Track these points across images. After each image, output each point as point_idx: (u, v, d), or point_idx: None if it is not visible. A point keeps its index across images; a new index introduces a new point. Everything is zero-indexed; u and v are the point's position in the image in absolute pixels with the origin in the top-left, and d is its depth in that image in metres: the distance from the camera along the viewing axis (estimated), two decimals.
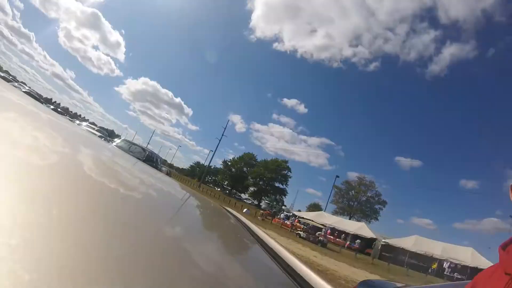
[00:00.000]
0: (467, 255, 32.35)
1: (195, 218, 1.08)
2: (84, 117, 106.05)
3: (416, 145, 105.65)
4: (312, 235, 30.67)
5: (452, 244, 36.04)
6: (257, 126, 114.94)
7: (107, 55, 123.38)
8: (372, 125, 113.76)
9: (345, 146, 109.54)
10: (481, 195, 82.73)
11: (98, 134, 21.18)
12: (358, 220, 53.59)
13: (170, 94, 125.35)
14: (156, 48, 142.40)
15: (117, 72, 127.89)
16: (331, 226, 40.55)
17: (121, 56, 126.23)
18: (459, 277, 28.27)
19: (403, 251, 36.52)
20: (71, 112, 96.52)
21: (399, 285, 3.74)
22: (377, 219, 64.02)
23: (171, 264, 0.38)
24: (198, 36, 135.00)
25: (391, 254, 35.34)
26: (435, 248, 35.18)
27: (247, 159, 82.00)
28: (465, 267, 30.68)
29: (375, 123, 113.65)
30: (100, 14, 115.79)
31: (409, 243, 37.19)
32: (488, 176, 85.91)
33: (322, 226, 38.46)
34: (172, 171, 55.80)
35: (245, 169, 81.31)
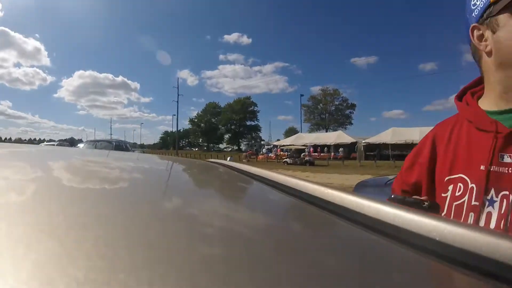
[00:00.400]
0: None
1: (188, 179, 1.10)
2: (40, 138, 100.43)
3: (365, 42, 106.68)
4: (298, 158, 31.44)
5: (428, 127, 37.31)
6: (208, 73, 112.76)
7: (32, 66, 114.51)
8: (319, 35, 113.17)
9: (300, 63, 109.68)
10: (442, 74, 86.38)
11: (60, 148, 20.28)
12: (335, 130, 55.20)
13: (110, 76, 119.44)
14: (75, 34, 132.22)
15: (50, 78, 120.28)
16: (311, 144, 41.75)
17: (46, 60, 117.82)
18: None
19: (384, 145, 38.14)
20: (25, 140, 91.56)
21: (391, 177, 3.85)
22: (352, 123, 66.94)
23: (186, 228, 0.39)
24: (111, 3, 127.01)
25: (375, 152, 36.71)
26: (413, 134, 36.53)
27: (211, 109, 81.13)
28: None
29: (321, 32, 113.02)
30: (6, 29, 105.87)
31: (388, 136, 38.74)
32: (444, 54, 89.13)
33: (303, 147, 39.66)
34: (145, 150, 54.40)
35: (213, 119, 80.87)
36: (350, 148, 39.78)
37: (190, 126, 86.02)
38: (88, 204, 0.45)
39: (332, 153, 39.28)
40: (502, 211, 0.73)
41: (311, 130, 64.32)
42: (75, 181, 0.69)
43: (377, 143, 38.84)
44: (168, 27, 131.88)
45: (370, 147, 39.32)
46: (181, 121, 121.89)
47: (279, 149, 42.34)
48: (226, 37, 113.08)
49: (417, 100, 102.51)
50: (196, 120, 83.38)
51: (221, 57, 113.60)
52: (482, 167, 0.77)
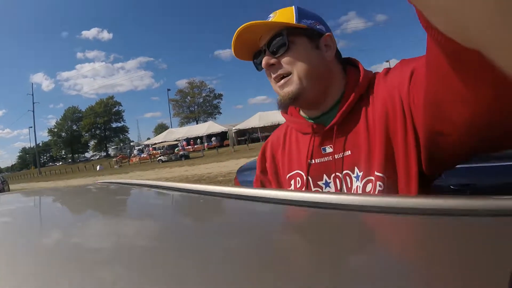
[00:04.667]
0: None
1: (62, 210, 0.85)
2: None
3: (227, 34, 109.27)
4: (172, 154, 31.11)
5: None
6: (65, 74, 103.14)
7: None
8: (182, 27, 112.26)
9: (165, 57, 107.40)
10: None
11: None
12: (205, 121, 55.63)
13: None
14: None
15: None
16: (184, 138, 41.59)
17: None
18: None
19: (253, 129, 40.24)
20: None
21: None
22: (220, 113, 69.12)
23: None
24: None
25: (245, 137, 38.49)
26: (278, 117, 39.00)
27: (71, 115, 74.05)
28: None
29: (185, 24, 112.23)
30: None
31: (256, 121, 40.96)
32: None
33: (176, 142, 39.20)
34: (5, 175, 46.53)
35: (74, 126, 73.98)
36: (222, 136, 40.99)
37: (50, 137, 76.75)
38: None
39: (206, 144, 39.79)
40: (338, 188, 0.89)
41: (181, 124, 64.11)
42: None
43: (247, 128, 40.63)
44: (16, 23, 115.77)
45: (240, 132, 41.03)
46: (39, 133, 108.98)
47: (151, 148, 41.15)
48: (85, 33, 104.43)
49: None
50: (55, 129, 74.55)
51: (79, 55, 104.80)
52: (308, 161, 0.95)
